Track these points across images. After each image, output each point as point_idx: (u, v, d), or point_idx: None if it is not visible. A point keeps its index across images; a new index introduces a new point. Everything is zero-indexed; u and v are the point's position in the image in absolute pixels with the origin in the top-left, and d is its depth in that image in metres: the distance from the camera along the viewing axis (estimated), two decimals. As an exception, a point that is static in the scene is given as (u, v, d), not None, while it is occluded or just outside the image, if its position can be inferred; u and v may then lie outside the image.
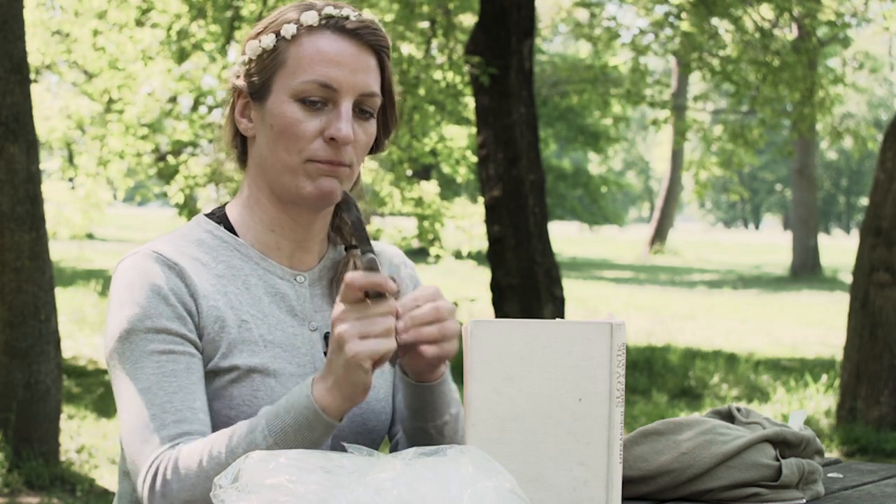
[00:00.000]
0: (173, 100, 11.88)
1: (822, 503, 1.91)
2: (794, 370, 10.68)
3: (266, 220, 1.85)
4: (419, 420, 1.81)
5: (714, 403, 9.23)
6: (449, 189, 21.51)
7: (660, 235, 32.59)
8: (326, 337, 1.86)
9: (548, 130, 25.33)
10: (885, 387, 7.70)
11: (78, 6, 11.26)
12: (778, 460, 1.89)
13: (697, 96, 15.18)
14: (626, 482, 1.85)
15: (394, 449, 1.94)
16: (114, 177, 12.15)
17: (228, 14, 10.61)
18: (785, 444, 1.92)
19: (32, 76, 8.16)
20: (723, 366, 10.57)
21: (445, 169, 16.70)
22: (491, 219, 9.32)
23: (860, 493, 1.98)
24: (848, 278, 15.52)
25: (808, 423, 8.02)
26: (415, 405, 1.80)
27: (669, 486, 1.88)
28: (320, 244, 1.90)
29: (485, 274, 12.28)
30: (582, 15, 18.72)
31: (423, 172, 21.60)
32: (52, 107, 12.23)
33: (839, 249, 37.75)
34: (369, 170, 12.33)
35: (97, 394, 8.52)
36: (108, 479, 6.23)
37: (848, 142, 13.35)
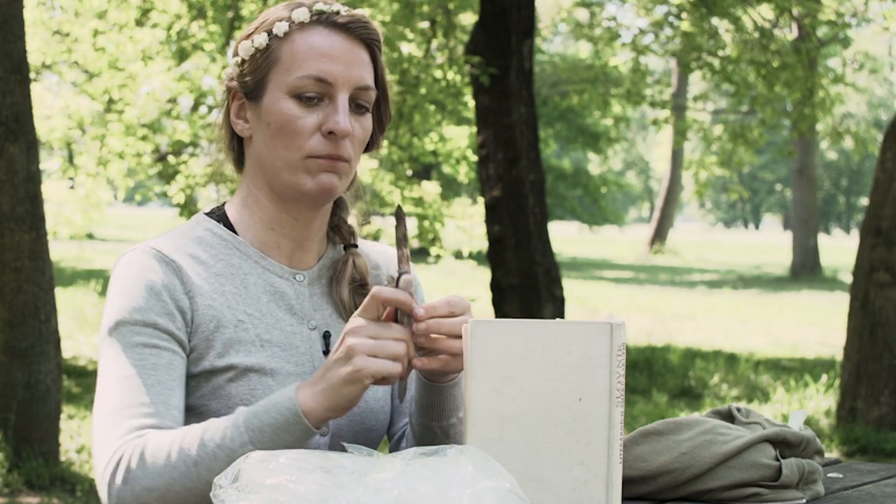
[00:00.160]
0: (173, 100, 11.87)
1: (822, 503, 1.91)
2: (794, 370, 10.68)
3: (265, 219, 1.86)
4: (427, 418, 1.81)
5: (714, 403, 9.22)
6: (449, 189, 21.53)
7: (660, 235, 32.61)
8: (325, 336, 1.86)
9: (548, 130, 25.34)
10: (885, 387, 7.70)
11: (78, 6, 11.26)
12: (778, 460, 1.89)
13: (697, 96, 15.16)
14: (626, 482, 1.85)
15: (397, 444, 1.95)
16: (114, 177, 12.14)
17: (228, 14, 10.61)
18: (785, 444, 1.92)
19: (32, 76, 8.16)
20: (723, 366, 10.57)
21: (446, 169, 16.72)
22: (491, 219, 9.31)
23: (860, 493, 1.98)
24: (848, 278, 15.54)
25: (808, 423, 8.02)
26: (424, 402, 1.81)
27: (669, 486, 1.88)
28: (319, 243, 1.91)
29: (485, 274, 12.29)
30: (582, 15, 18.73)
31: (424, 172, 21.61)
32: (52, 107, 12.23)
33: (839, 249, 37.79)
34: (369, 170, 12.32)
35: (97, 394, 8.51)
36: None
37: (848, 142, 13.34)
